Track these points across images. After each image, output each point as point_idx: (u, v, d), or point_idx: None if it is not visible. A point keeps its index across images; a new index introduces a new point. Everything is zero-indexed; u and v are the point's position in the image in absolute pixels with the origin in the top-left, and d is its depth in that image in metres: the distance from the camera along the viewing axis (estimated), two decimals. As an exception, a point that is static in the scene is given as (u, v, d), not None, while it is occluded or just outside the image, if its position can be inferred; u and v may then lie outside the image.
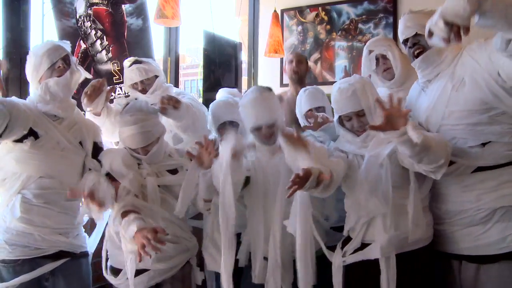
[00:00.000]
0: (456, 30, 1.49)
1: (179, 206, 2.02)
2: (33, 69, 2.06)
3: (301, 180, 1.74)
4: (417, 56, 2.05)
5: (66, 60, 2.09)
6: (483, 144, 1.91)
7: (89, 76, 2.28)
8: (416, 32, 2.03)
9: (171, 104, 2.22)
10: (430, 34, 1.57)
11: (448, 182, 2.00)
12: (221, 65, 4.10)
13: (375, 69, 2.53)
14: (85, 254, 2.21)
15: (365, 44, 2.66)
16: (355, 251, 2.03)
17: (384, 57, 2.48)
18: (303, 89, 2.67)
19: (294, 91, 3.42)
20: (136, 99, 2.44)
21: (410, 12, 2.10)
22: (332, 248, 2.12)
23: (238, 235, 2.22)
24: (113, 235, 2.08)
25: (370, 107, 1.99)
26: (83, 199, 1.93)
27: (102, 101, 2.26)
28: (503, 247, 1.88)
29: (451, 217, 2.01)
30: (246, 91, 2.22)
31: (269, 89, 2.18)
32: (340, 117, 2.07)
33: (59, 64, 2.06)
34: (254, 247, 2.09)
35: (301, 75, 3.50)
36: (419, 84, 2.15)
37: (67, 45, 2.16)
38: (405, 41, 2.10)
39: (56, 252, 2.05)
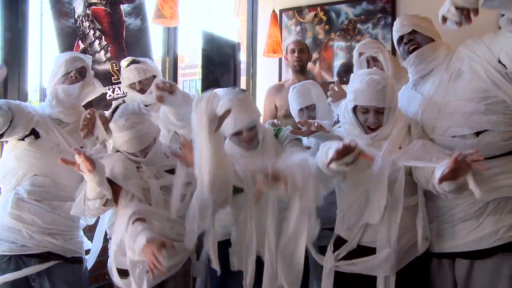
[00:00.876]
0: (466, 13, 1.61)
1: (172, 207, 2.00)
2: (51, 76, 2.17)
3: (343, 152, 1.74)
4: (411, 52, 2.09)
5: (81, 72, 2.18)
6: (477, 134, 1.92)
7: (105, 91, 2.32)
8: (413, 29, 2.10)
9: (167, 89, 2.16)
10: (444, 20, 1.68)
11: None
12: (220, 65, 4.10)
13: None
14: (78, 260, 2.20)
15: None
16: (349, 253, 2.00)
17: (374, 59, 2.53)
18: (292, 87, 2.67)
19: (296, 80, 3.44)
20: (123, 101, 2.40)
21: (405, 15, 2.18)
22: (322, 248, 2.10)
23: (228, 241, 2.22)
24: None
25: (391, 107, 1.95)
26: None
27: (100, 129, 2.13)
28: (496, 239, 1.89)
29: (444, 213, 2.00)
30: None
31: (243, 90, 2.15)
32: (355, 106, 1.98)
33: (72, 74, 2.15)
34: (246, 254, 2.04)
35: (303, 64, 3.52)
36: (409, 84, 2.18)
37: (88, 59, 2.25)
38: (400, 39, 2.15)
39: (43, 253, 2.06)
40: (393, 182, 1.90)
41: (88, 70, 2.21)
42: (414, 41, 2.10)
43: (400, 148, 1.95)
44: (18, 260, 2.03)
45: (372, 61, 2.54)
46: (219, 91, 2.07)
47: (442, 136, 1.98)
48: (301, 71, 3.53)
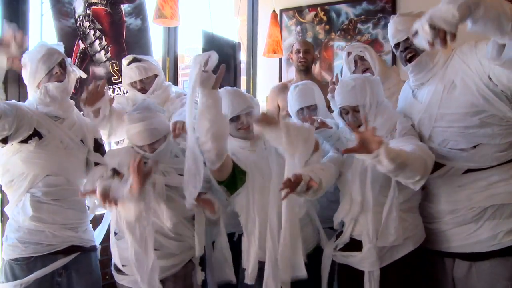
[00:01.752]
0: (443, 35, 1.47)
1: (188, 197, 2.00)
2: (30, 75, 2.10)
3: (292, 184, 1.80)
4: (409, 60, 2.06)
5: (62, 64, 2.14)
6: (475, 146, 1.92)
7: (84, 75, 2.33)
8: (408, 36, 2.03)
9: (184, 132, 2.18)
10: (415, 33, 1.56)
11: (439, 182, 2.03)
12: (220, 65, 4.08)
13: (354, 71, 2.59)
14: (94, 248, 2.27)
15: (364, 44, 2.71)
16: (346, 245, 2.08)
17: (361, 58, 2.58)
18: (293, 85, 2.62)
19: (299, 80, 3.42)
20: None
21: (400, 15, 2.12)
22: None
23: (231, 235, 2.23)
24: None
25: (365, 105, 2.04)
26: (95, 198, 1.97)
27: (106, 103, 2.26)
28: (494, 244, 1.92)
29: (443, 216, 2.03)
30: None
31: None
32: (340, 110, 2.15)
33: (56, 70, 2.11)
34: (249, 247, 2.09)
35: (308, 65, 3.51)
36: (411, 87, 2.16)
37: (61, 47, 2.20)
38: (397, 45, 2.11)
39: (67, 247, 2.11)
40: (374, 179, 1.99)
41: (66, 59, 2.18)
42: (411, 48, 2.04)
43: None
44: (44, 259, 2.06)
45: (360, 61, 2.63)
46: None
47: (439, 146, 1.99)
48: (306, 71, 3.52)
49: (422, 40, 1.54)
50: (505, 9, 1.53)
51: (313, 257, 2.16)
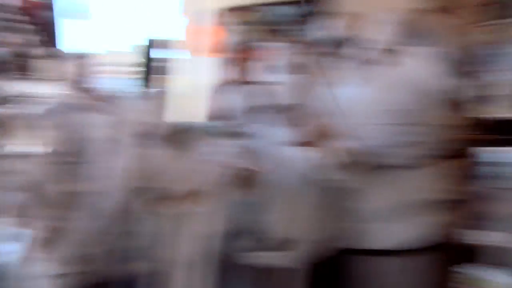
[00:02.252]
0: None
1: None
2: None
3: None
4: None
5: None
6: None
7: None
8: None
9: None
10: None
11: (365, 179, 2.06)
12: (154, 64, 4.06)
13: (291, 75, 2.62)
14: None
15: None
16: (268, 246, 2.08)
17: (299, 63, 2.58)
18: (243, 86, 2.66)
19: (240, 80, 3.41)
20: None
21: None
22: None
23: None
24: None
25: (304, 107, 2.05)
26: None
27: None
28: (406, 241, 1.97)
29: (361, 213, 2.07)
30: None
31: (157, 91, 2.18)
32: None
33: None
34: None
35: (247, 65, 3.50)
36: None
37: None
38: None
39: None
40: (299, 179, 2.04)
41: None
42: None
43: None
44: None
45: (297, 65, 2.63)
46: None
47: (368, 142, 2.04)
48: (245, 71, 3.51)
49: None
50: None
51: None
